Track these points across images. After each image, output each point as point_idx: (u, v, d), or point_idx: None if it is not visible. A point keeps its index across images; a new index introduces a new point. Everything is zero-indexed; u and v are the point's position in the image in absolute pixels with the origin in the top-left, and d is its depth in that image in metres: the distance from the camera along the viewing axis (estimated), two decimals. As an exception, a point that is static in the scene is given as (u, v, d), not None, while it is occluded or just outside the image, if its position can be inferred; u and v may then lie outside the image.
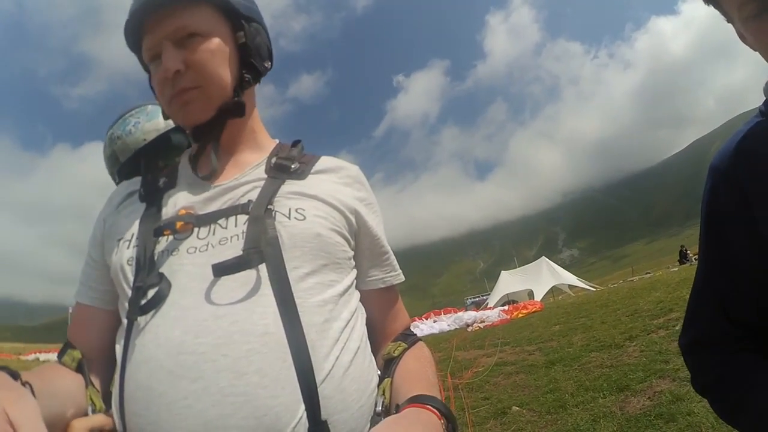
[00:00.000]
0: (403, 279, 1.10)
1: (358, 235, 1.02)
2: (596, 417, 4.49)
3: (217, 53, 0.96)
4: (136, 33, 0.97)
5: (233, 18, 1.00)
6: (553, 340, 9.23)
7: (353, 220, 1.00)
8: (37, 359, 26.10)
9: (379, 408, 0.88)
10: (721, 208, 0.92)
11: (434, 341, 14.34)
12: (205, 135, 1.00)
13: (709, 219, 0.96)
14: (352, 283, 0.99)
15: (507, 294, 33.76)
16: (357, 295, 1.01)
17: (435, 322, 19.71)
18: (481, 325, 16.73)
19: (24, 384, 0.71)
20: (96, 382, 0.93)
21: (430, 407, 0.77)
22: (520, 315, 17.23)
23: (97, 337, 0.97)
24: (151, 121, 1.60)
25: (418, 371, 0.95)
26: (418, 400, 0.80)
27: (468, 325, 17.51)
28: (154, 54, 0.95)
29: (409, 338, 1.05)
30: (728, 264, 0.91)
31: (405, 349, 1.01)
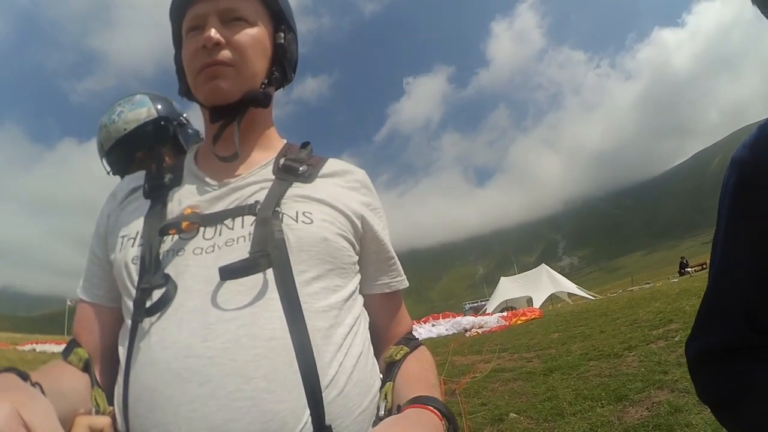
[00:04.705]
0: (408, 285, 1.10)
1: (364, 239, 1.02)
2: (594, 426, 4.47)
3: (257, 41, 0.99)
4: (186, 0, 0.98)
5: (277, 19, 1.04)
6: (551, 348, 9.21)
7: (359, 224, 1.00)
8: (34, 350, 26.06)
9: (382, 412, 0.88)
10: (750, 201, 0.84)
11: (432, 345, 14.30)
12: (225, 117, 1.00)
13: (734, 213, 0.87)
14: (356, 288, 0.99)
15: (506, 300, 33.77)
16: (361, 300, 1.01)
17: (433, 326, 19.68)
18: (480, 331, 16.72)
19: (34, 384, 0.70)
20: (101, 381, 0.92)
21: (430, 408, 0.77)
22: (519, 322, 17.21)
23: (101, 335, 0.96)
24: (134, 111, 1.65)
25: (419, 374, 0.95)
26: (418, 401, 0.79)
27: (466, 330, 17.49)
28: (196, 25, 0.97)
29: (411, 342, 1.05)
30: (758, 265, 0.82)
31: (407, 353, 1.01)
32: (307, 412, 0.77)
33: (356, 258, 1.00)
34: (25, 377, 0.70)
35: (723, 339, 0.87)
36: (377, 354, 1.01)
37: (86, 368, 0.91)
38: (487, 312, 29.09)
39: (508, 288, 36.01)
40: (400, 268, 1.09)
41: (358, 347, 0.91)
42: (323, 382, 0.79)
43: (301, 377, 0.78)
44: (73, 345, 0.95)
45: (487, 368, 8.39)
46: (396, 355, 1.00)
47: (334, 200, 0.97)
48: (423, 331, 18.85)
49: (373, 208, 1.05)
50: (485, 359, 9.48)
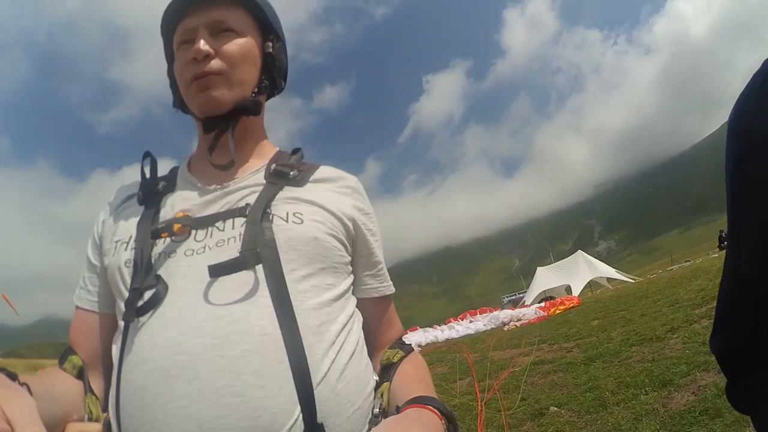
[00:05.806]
0: (394, 290, 1.12)
1: (356, 242, 1.03)
2: (638, 415, 4.32)
3: (246, 51, 1.01)
4: (175, 15, 1.00)
5: (265, 29, 1.07)
6: (591, 336, 9.01)
7: (351, 227, 1.01)
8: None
9: (377, 410, 0.89)
10: (758, 176, 0.68)
11: (470, 342, 14.23)
12: (218, 127, 1.02)
13: (738, 193, 0.73)
14: (349, 288, 1.00)
15: (544, 290, 33.31)
16: (354, 299, 1.02)
17: (471, 322, 19.58)
18: (518, 324, 16.52)
19: (21, 384, 0.71)
20: (96, 388, 0.94)
21: (430, 407, 0.78)
22: (558, 311, 16.93)
23: (97, 342, 0.98)
24: None
25: (416, 376, 0.97)
26: (418, 401, 0.80)
27: (504, 324, 17.33)
28: (186, 38, 0.99)
29: (405, 347, 1.07)
30: (764, 257, 0.70)
31: (403, 356, 1.03)
32: (298, 408, 0.77)
33: (349, 258, 1.02)
34: (13, 377, 0.72)
35: (741, 335, 0.79)
36: (370, 357, 1.02)
37: (80, 375, 0.93)
38: (526, 304, 28.75)
39: (546, 278, 35.50)
40: (387, 274, 1.11)
41: (352, 345, 0.92)
42: (315, 379, 0.80)
43: (292, 373, 0.78)
44: (68, 352, 0.97)
45: (526, 362, 8.26)
46: (393, 358, 1.02)
47: (326, 202, 0.99)
48: (461, 328, 18.75)
49: (364, 213, 1.07)
50: (524, 352, 9.35)
